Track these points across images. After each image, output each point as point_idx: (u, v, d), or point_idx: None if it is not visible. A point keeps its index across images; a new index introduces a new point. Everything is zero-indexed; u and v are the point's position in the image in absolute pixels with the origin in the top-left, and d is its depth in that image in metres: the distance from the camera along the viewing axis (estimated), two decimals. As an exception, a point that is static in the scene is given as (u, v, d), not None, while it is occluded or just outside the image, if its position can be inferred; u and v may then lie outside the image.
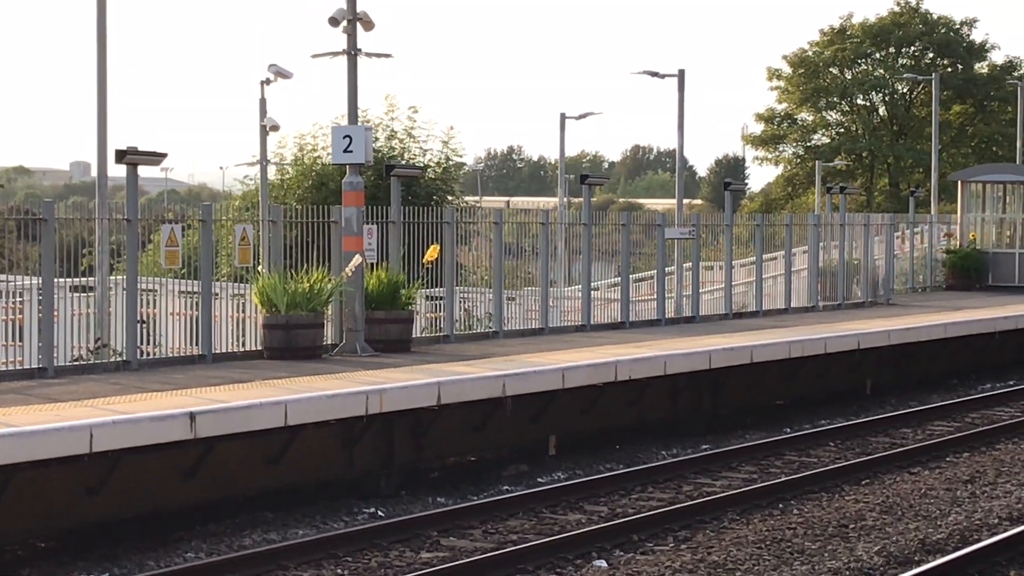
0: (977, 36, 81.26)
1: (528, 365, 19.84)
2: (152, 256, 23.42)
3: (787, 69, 79.98)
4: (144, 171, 20.40)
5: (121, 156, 19.23)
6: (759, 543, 14.94)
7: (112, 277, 20.18)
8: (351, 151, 21.11)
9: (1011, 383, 30.16)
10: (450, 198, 39.81)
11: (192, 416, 14.76)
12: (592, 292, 26.73)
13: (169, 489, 15.76)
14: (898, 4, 79.99)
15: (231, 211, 32.36)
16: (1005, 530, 15.46)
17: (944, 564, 13.69)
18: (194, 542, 15.13)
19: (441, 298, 24.09)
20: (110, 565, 14.17)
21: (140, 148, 19.35)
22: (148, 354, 20.02)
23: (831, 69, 79.75)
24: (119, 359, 18.98)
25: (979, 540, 15.03)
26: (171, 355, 20.18)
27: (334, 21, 21.47)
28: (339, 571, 14.03)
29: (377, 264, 22.15)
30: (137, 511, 15.55)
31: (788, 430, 23.48)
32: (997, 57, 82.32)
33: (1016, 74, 77.79)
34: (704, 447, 21.78)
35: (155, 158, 19.67)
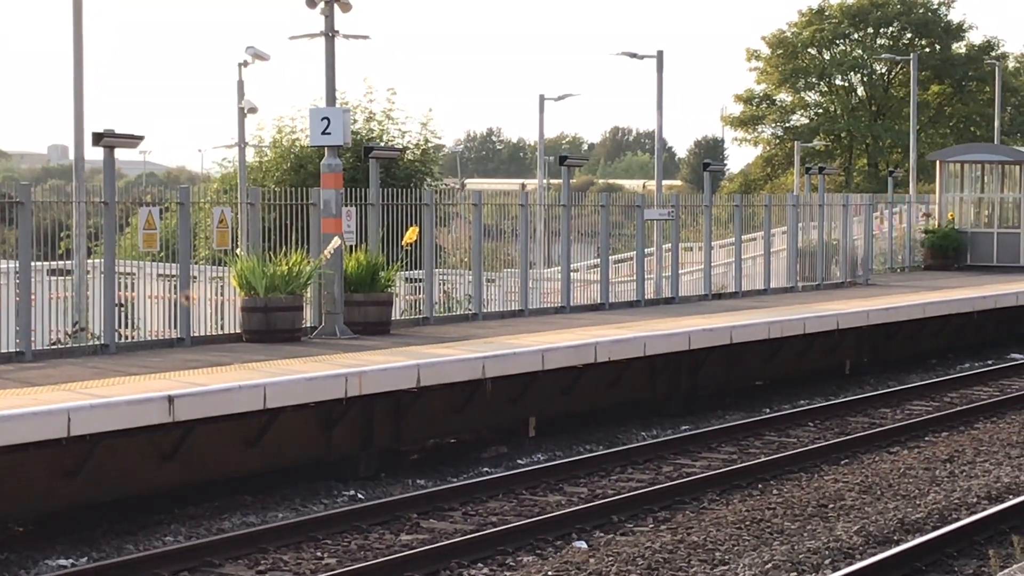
0: (955, 16, 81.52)
1: (508, 347, 19.83)
2: (130, 239, 23.34)
3: (766, 50, 79.97)
4: (122, 154, 20.36)
5: (98, 139, 19.17)
6: (738, 523, 14.96)
7: (90, 260, 20.12)
8: (329, 133, 21.06)
9: (989, 362, 30.24)
10: (429, 180, 39.75)
11: (170, 399, 14.73)
12: (572, 273, 26.73)
13: (147, 473, 15.73)
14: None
15: (209, 194, 32.25)
16: (983, 509, 15.51)
17: (923, 543, 13.72)
18: (173, 526, 15.11)
19: (420, 280, 24.07)
20: (88, 549, 14.14)
21: (117, 131, 19.29)
22: (126, 337, 19.98)
23: (809, 50, 79.76)
24: (97, 343, 18.94)
25: (958, 519, 15.08)
26: (149, 338, 20.15)
27: (311, 3, 21.40)
28: (319, 554, 14.02)
29: (356, 246, 22.11)
30: (115, 495, 15.52)
31: (767, 410, 23.52)
32: (975, 37, 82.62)
33: (994, 54, 77.90)
34: (683, 428, 21.81)
35: (132, 141, 19.62)
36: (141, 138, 19.66)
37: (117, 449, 15.12)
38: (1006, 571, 10.81)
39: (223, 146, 44.53)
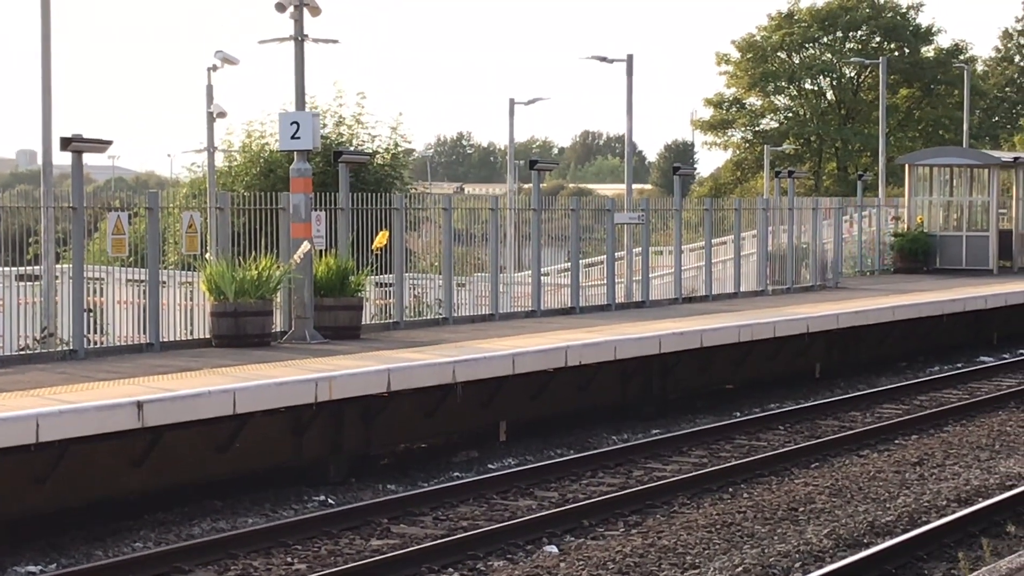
0: (924, 20, 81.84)
1: (478, 351, 19.82)
2: (99, 244, 23.26)
3: (736, 54, 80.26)
4: (91, 158, 20.27)
5: (66, 144, 19.08)
6: (709, 527, 14.97)
7: (59, 266, 20.03)
8: (299, 137, 21.02)
9: (959, 365, 30.33)
10: (399, 184, 39.72)
11: (139, 405, 14.67)
12: (542, 277, 26.72)
13: (117, 478, 15.66)
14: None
15: (178, 198, 32.17)
16: (953, 512, 15.56)
17: (893, 546, 13.75)
18: (142, 531, 15.04)
19: (391, 284, 24.03)
20: (57, 555, 14.07)
21: (86, 135, 19.21)
22: (95, 343, 19.89)
23: (779, 54, 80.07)
24: (66, 348, 18.85)
25: (927, 522, 15.11)
26: (118, 344, 20.04)
27: (281, 7, 21.38)
28: (289, 559, 13.98)
29: (326, 251, 22.07)
30: (84, 501, 15.44)
31: (738, 414, 23.54)
32: (943, 41, 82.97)
33: (962, 58, 78.27)
34: (654, 432, 21.81)
35: (100, 145, 19.53)
36: (109, 143, 19.59)
37: (86, 455, 15.05)
38: (976, 574, 10.84)
39: (192, 151, 44.50)
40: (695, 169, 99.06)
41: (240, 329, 20.07)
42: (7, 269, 18.77)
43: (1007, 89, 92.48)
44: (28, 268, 19.90)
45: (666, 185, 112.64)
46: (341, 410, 17.82)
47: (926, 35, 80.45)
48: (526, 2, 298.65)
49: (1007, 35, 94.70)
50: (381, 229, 23.04)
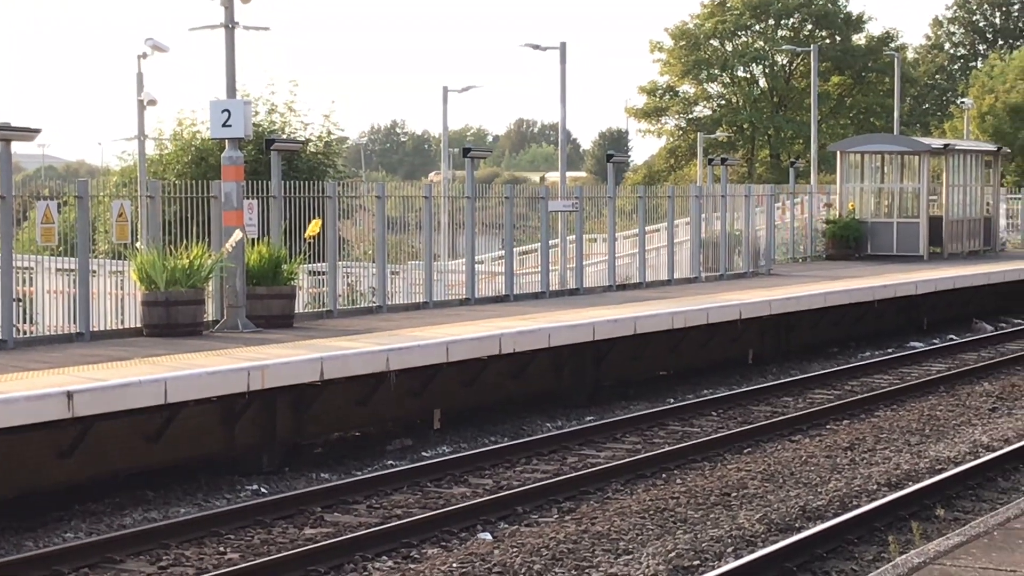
0: (854, 8, 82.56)
1: (412, 339, 19.78)
2: (28, 234, 23.05)
3: (669, 42, 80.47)
4: (19, 147, 20.11)
5: (-7, 132, 18.90)
6: (642, 513, 15.02)
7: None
8: (230, 125, 20.90)
9: (889, 351, 30.56)
10: (332, 171, 39.60)
11: (69, 395, 14.55)
12: (476, 265, 26.70)
13: (47, 469, 15.54)
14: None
15: (109, 187, 31.90)
16: (884, 496, 15.67)
17: (824, 530, 13.84)
18: (73, 522, 14.94)
19: (324, 273, 23.95)
20: (-13, 547, 13.95)
21: (13, 123, 19.03)
22: (25, 333, 19.72)
23: (712, 41, 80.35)
24: (-6, 338, 18.68)
25: (858, 506, 15.22)
26: (48, 333, 19.88)
27: (211, -7, 21.22)
28: (221, 548, 13.91)
29: (258, 239, 21.97)
30: (13, 491, 15.31)
31: (671, 400, 23.63)
32: (874, 28, 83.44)
33: (892, 45, 78.82)
34: (588, 418, 21.86)
35: (29, 133, 19.36)
36: (38, 131, 19.41)
37: (15, 445, 14.92)
38: (905, 556, 10.92)
39: (123, 139, 44.20)
40: (629, 157, 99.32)
41: (172, 318, 19.95)
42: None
43: (937, 76, 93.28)
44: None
45: (600, 173, 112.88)
46: (274, 399, 17.75)
47: (857, 23, 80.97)
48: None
49: (937, 23, 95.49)
50: (314, 217, 22.95)
